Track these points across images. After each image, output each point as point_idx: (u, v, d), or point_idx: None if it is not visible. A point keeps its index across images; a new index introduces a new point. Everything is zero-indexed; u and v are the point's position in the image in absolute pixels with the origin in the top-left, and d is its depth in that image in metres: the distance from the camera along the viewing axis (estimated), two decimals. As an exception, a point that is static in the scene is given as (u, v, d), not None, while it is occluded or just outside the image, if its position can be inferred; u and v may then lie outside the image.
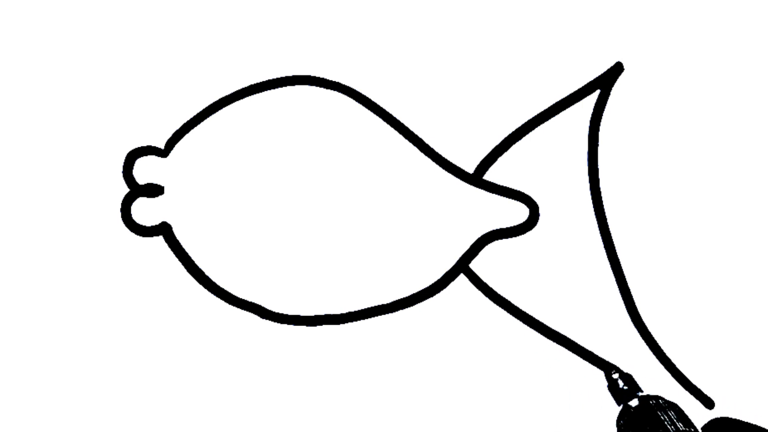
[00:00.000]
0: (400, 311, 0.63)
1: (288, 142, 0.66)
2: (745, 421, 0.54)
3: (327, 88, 0.67)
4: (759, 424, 0.56)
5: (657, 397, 0.57)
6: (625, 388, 0.59)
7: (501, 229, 0.65)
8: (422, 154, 0.66)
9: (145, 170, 0.65)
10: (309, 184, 0.65)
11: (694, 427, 0.54)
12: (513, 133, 0.67)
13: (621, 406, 0.58)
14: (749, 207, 0.66)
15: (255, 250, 0.64)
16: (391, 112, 0.67)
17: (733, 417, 0.56)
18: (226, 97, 0.67)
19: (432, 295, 0.64)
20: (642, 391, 0.59)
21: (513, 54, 0.68)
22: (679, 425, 0.54)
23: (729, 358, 0.62)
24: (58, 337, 0.61)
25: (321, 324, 0.63)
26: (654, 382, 0.61)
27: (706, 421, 0.57)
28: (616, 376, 0.59)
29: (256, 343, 0.62)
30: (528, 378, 0.61)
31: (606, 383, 0.60)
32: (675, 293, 0.64)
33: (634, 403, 0.57)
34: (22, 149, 0.65)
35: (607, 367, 0.60)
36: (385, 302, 0.63)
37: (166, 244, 0.64)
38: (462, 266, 0.64)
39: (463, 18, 0.69)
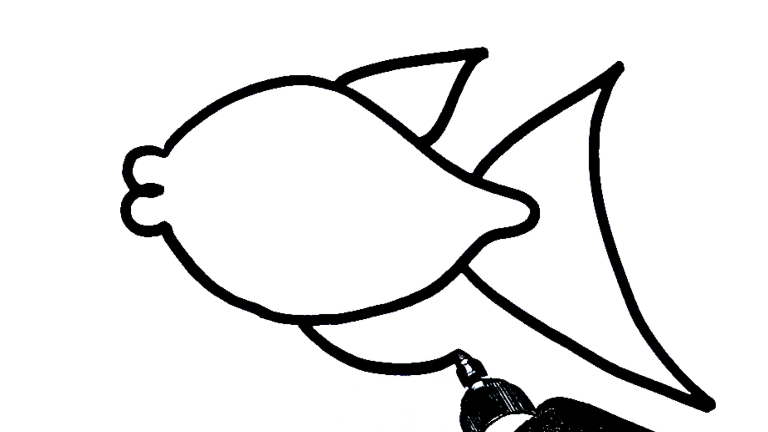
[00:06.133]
0: (400, 311, 0.63)
1: (288, 142, 0.66)
2: (585, 402, 0.54)
3: (327, 88, 0.67)
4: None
5: (499, 380, 0.58)
6: (473, 372, 0.59)
7: (501, 229, 0.65)
8: (422, 154, 0.66)
9: (145, 170, 0.65)
10: (309, 183, 0.65)
11: (532, 407, 0.55)
12: (513, 132, 0.67)
13: (466, 389, 0.58)
14: (750, 206, 0.66)
15: (255, 250, 0.64)
16: (390, 112, 0.67)
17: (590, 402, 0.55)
18: (226, 97, 0.67)
19: (432, 295, 0.64)
20: (486, 375, 0.59)
21: (513, 53, 0.68)
22: (514, 403, 0.55)
23: (729, 358, 0.62)
24: (58, 336, 0.61)
25: (321, 324, 0.63)
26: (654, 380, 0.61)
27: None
28: (464, 361, 0.60)
29: (256, 343, 0.62)
30: (528, 378, 0.61)
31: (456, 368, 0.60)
32: (676, 292, 0.63)
33: (478, 385, 0.58)
34: (22, 149, 0.65)
35: (456, 354, 0.61)
36: (385, 302, 0.63)
37: (165, 244, 0.64)
38: (462, 266, 0.64)
39: (462, 18, 0.69)
